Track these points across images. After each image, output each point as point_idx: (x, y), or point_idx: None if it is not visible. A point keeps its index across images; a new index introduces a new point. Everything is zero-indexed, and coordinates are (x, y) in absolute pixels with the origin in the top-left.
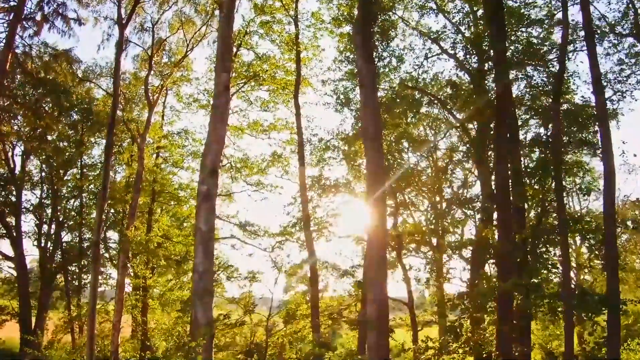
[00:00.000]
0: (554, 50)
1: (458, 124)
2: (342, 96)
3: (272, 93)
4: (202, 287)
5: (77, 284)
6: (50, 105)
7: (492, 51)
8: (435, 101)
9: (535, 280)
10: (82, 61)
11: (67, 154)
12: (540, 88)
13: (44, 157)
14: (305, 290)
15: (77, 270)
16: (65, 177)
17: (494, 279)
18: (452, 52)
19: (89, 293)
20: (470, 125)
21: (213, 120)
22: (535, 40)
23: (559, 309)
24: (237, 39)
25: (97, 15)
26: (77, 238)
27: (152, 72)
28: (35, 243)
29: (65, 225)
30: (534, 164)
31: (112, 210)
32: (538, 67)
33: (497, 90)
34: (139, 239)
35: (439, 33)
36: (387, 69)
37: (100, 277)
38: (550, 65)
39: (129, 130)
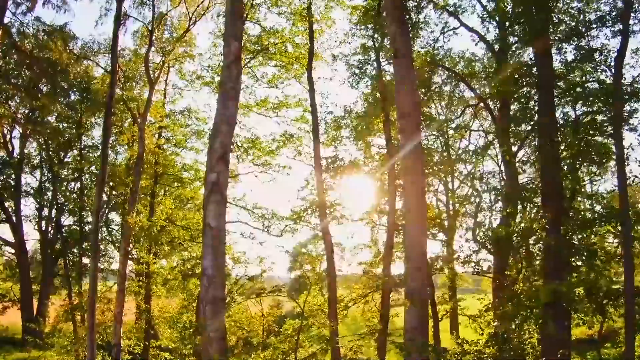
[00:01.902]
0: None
1: (477, 102)
2: (357, 70)
3: (281, 68)
4: (211, 295)
5: (78, 269)
6: (48, 85)
7: (522, 24)
8: (457, 78)
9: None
10: (79, 37)
11: (66, 135)
12: (576, 64)
13: (42, 139)
14: (310, 270)
15: (78, 256)
16: (66, 159)
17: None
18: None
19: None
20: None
21: (222, 97)
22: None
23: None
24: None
25: None
26: (78, 222)
27: (153, 49)
28: (36, 227)
29: (66, 208)
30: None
31: (115, 192)
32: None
33: (541, 67)
34: (141, 225)
35: (457, 6)
36: None
37: (102, 261)
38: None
39: (128, 109)
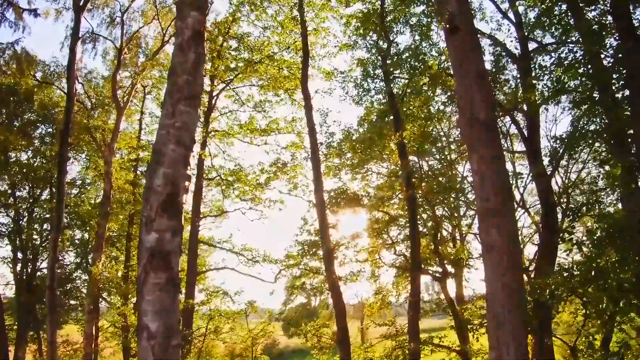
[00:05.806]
0: None
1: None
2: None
3: (270, 85)
4: None
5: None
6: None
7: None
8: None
9: None
10: (39, 58)
11: (43, 171)
12: None
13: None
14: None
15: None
16: (43, 197)
17: None
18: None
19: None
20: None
21: (169, 97)
22: None
23: None
24: (222, 28)
25: (57, 5)
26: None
27: (127, 73)
28: (12, 270)
29: (42, 251)
30: None
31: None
32: None
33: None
34: (108, 276)
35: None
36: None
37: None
38: None
39: (93, 139)
